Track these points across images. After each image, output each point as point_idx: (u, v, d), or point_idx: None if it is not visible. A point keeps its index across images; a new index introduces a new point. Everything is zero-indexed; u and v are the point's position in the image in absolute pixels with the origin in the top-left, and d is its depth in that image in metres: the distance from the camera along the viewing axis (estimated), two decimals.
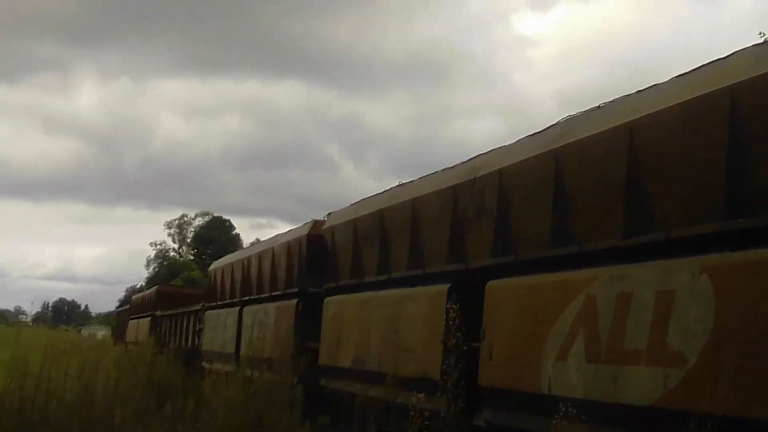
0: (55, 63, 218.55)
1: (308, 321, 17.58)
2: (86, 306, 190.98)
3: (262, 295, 20.37)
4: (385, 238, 14.05)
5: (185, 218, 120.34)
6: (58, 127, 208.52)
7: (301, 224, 18.76)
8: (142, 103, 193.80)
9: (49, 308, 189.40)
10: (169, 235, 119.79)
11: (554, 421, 8.83)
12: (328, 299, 16.01)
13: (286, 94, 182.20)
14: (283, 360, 18.04)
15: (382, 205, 14.27)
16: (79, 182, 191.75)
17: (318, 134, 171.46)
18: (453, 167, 12.54)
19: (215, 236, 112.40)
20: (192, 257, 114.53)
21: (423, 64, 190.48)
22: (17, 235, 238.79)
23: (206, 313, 25.90)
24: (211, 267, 27.86)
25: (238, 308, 22.09)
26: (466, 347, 11.38)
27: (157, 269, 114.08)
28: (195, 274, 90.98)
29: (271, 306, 19.29)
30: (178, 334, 30.51)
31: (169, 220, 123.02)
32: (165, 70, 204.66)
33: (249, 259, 22.15)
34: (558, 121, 10.24)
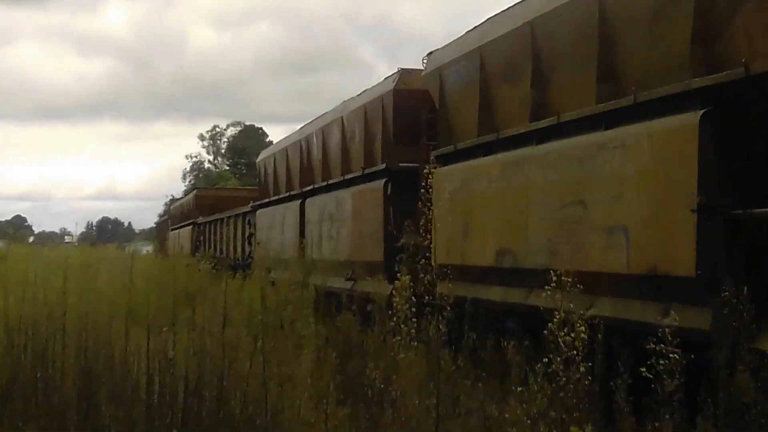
0: None
1: (403, 207, 12.49)
2: (129, 223, 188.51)
3: (330, 181, 15.22)
4: (540, 65, 8.73)
5: (218, 129, 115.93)
6: (91, 47, 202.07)
7: (381, 79, 13.43)
8: (171, 16, 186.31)
9: (94, 228, 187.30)
10: (203, 147, 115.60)
11: None
12: (441, 171, 10.83)
13: None
14: (371, 263, 13.03)
15: (532, 15, 8.88)
16: (116, 101, 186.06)
17: (350, 36, 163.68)
18: None
19: (249, 145, 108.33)
20: (227, 167, 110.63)
21: None
22: (58, 158, 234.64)
23: (258, 212, 20.84)
24: (260, 157, 22.53)
25: (299, 202, 17.01)
26: (748, 216, 6.23)
27: (193, 182, 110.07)
28: (232, 184, 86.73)
29: (346, 193, 14.16)
30: (224, 242, 25.62)
31: (201, 132, 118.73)
32: None
33: (308, 138, 16.88)
34: None
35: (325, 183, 15.45)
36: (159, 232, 49.50)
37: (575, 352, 6.42)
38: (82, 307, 10.12)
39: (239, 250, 23.20)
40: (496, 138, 9.49)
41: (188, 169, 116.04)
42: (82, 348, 9.37)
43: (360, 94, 14.28)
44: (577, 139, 7.98)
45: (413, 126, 12.41)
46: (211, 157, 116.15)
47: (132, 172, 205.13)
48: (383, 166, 12.53)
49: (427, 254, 11.71)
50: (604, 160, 7.47)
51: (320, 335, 10.05)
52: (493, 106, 9.70)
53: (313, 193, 16.37)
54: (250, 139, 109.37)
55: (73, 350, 9.46)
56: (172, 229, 39.85)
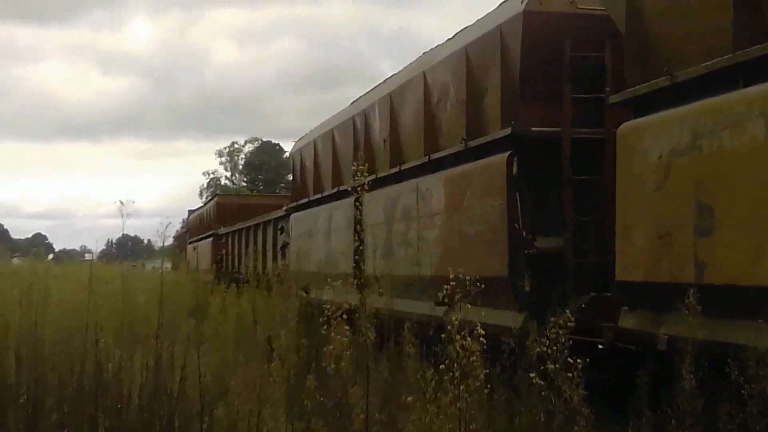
0: (105, 0, 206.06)
1: (537, 194, 7.88)
2: (149, 240, 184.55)
3: (404, 167, 10.54)
4: None
5: (235, 145, 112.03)
6: (114, 65, 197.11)
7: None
8: (194, 34, 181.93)
9: (113, 245, 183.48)
10: (221, 163, 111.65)
11: None
12: (636, 125, 6.13)
13: (339, 12, 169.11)
14: (484, 280, 8.35)
15: None
16: (138, 118, 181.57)
17: (372, 50, 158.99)
18: None
19: (266, 161, 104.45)
20: (245, 183, 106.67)
21: None
22: (80, 175, 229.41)
23: (293, 217, 16.14)
24: (294, 148, 17.67)
25: (353, 199, 12.30)
26: None
27: (210, 198, 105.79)
28: None
29: (433, 180, 9.49)
30: (250, 254, 20.90)
31: (219, 148, 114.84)
32: None
33: (366, 113, 12.15)
34: None
35: (396, 169, 10.75)
36: (178, 246, 44.72)
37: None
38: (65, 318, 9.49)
39: (269, 264, 18.49)
40: None
41: (205, 185, 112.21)
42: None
43: (453, 36, 9.57)
44: None
45: (552, 70, 7.77)
46: (228, 174, 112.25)
47: (153, 189, 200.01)
48: (508, 131, 7.83)
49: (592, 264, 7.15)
50: None
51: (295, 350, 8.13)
52: None
53: (375, 185, 11.67)
54: (267, 155, 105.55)
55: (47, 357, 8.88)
56: (190, 242, 35.15)
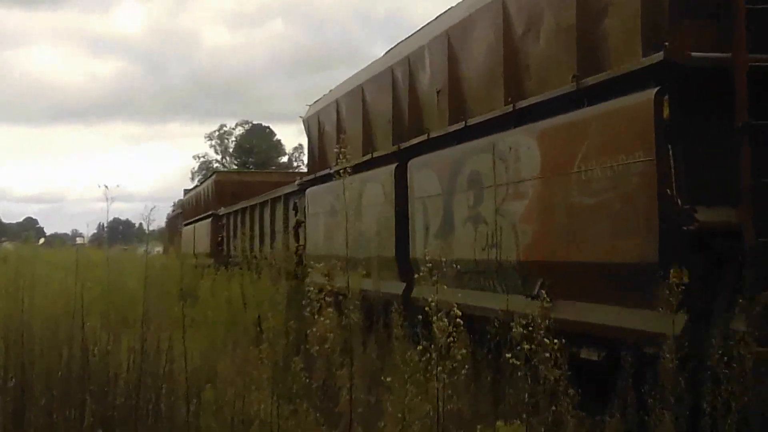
0: None
1: (694, 149, 5.45)
2: (140, 224, 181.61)
3: (470, 122, 8.07)
4: None
5: (225, 128, 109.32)
6: (104, 48, 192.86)
7: None
8: (185, 16, 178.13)
9: (105, 229, 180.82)
10: (211, 146, 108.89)
11: None
12: None
13: None
14: (610, 267, 5.96)
15: None
16: (129, 102, 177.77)
17: (363, 33, 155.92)
18: None
19: (256, 144, 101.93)
20: (235, 166, 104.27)
21: None
22: (71, 159, 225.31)
23: (309, 192, 13.63)
24: (309, 113, 14.88)
25: (393, 167, 9.92)
26: None
27: (201, 181, 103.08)
28: None
29: (520, 136, 7.04)
30: (256, 236, 18.40)
31: (209, 132, 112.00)
32: None
33: (410, 61, 9.62)
34: None
35: (459, 125, 8.28)
36: (170, 229, 42.02)
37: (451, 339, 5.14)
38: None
39: (279, 247, 16.00)
40: None
41: (196, 168, 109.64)
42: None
43: None
44: None
45: None
46: (218, 157, 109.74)
47: (144, 173, 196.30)
48: (658, 56, 5.39)
49: None
50: None
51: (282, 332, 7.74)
52: None
53: (422, 149, 9.25)
54: (257, 138, 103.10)
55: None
56: (186, 224, 32.55)
